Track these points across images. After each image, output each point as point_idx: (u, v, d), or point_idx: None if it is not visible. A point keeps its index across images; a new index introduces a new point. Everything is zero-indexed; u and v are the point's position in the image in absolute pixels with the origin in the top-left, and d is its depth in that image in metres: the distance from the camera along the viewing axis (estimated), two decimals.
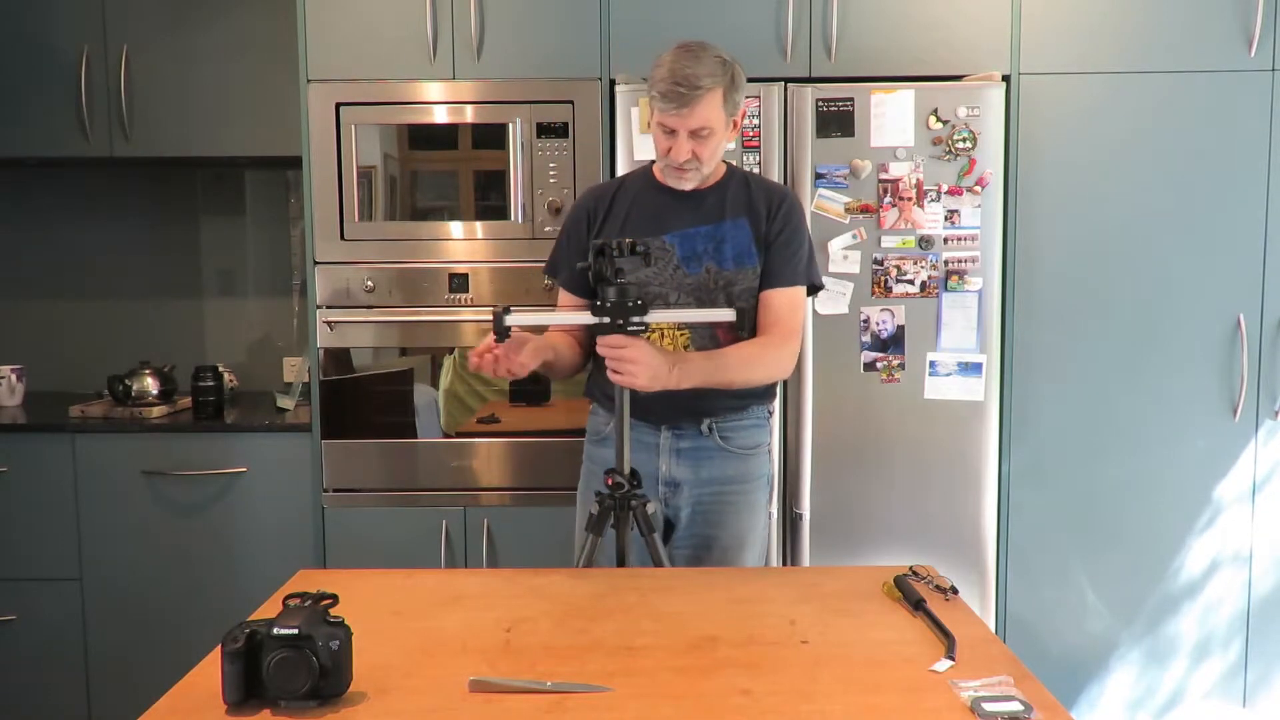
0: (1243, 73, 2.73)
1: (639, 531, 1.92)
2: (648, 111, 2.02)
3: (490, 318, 1.88)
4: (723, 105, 1.99)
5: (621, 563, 1.93)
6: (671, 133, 1.99)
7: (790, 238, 2.09)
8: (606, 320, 1.84)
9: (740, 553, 2.12)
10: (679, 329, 2.08)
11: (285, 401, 3.11)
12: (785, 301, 2.08)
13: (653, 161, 2.17)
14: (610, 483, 1.90)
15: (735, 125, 2.07)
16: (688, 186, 2.07)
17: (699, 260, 2.07)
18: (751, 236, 2.08)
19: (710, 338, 2.08)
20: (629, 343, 1.84)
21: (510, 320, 1.88)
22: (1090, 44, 2.74)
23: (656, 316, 1.90)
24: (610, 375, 1.87)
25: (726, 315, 1.91)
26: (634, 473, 1.93)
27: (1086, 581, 2.83)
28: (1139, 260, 2.77)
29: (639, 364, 1.84)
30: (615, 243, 1.85)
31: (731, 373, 2.01)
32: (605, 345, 1.85)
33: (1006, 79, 2.71)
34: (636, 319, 1.84)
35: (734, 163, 2.22)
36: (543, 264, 2.32)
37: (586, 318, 1.87)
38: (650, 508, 1.93)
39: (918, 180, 2.63)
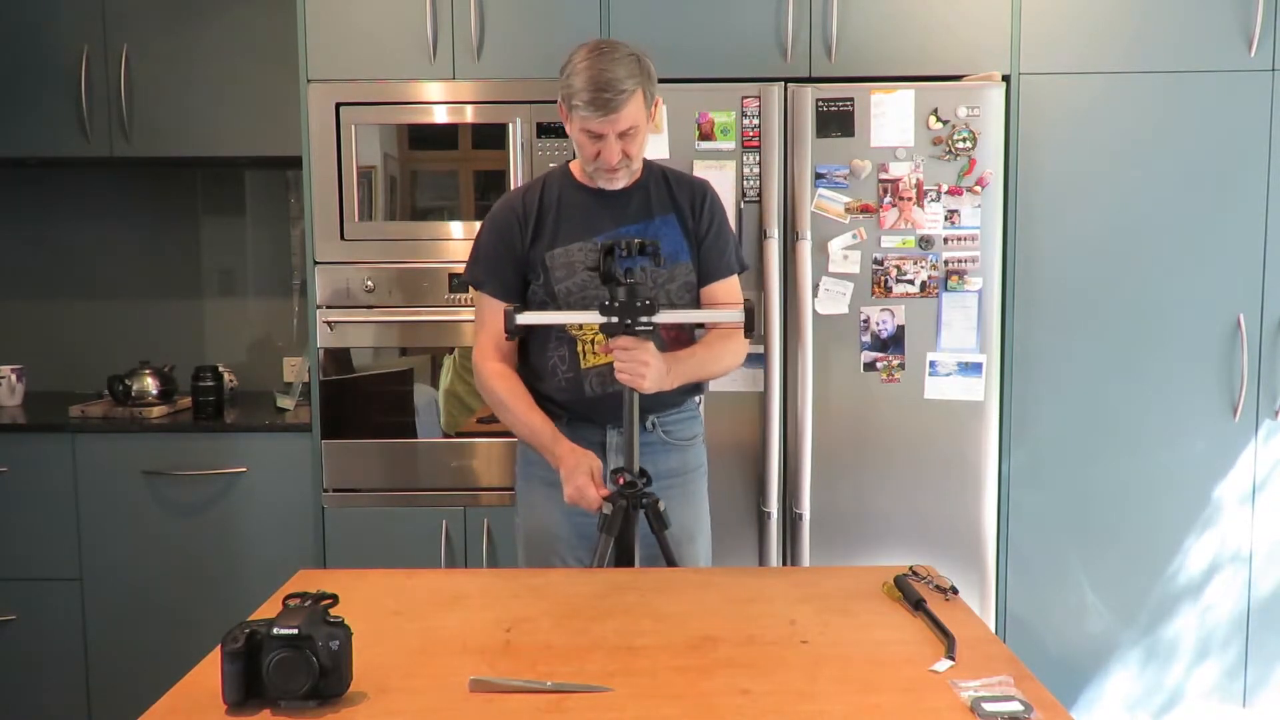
0: (1243, 73, 2.73)
1: (650, 529, 1.92)
2: (573, 121, 2.00)
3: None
4: (643, 102, 2.00)
5: (629, 560, 1.93)
6: (598, 137, 1.99)
7: (719, 231, 2.14)
8: (615, 320, 1.85)
9: (691, 544, 2.14)
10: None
11: (285, 401, 3.11)
12: (729, 293, 2.14)
13: (559, 170, 2.17)
14: (621, 481, 1.90)
15: (653, 116, 2.08)
16: (620, 185, 2.08)
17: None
18: (681, 232, 2.11)
19: (655, 336, 2.06)
20: (640, 345, 1.87)
21: (521, 319, 1.92)
22: (1090, 44, 2.74)
23: (665, 317, 1.91)
24: (618, 376, 1.89)
25: (734, 316, 1.93)
26: (643, 470, 1.93)
27: (1086, 581, 2.83)
28: (1139, 260, 2.77)
29: (650, 366, 1.88)
30: (624, 242, 1.87)
31: (709, 368, 2.12)
32: (617, 346, 1.88)
33: (1006, 79, 2.71)
34: (645, 319, 1.86)
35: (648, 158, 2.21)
36: None
37: (595, 317, 1.88)
38: (661, 504, 1.93)
39: (918, 180, 2.63)
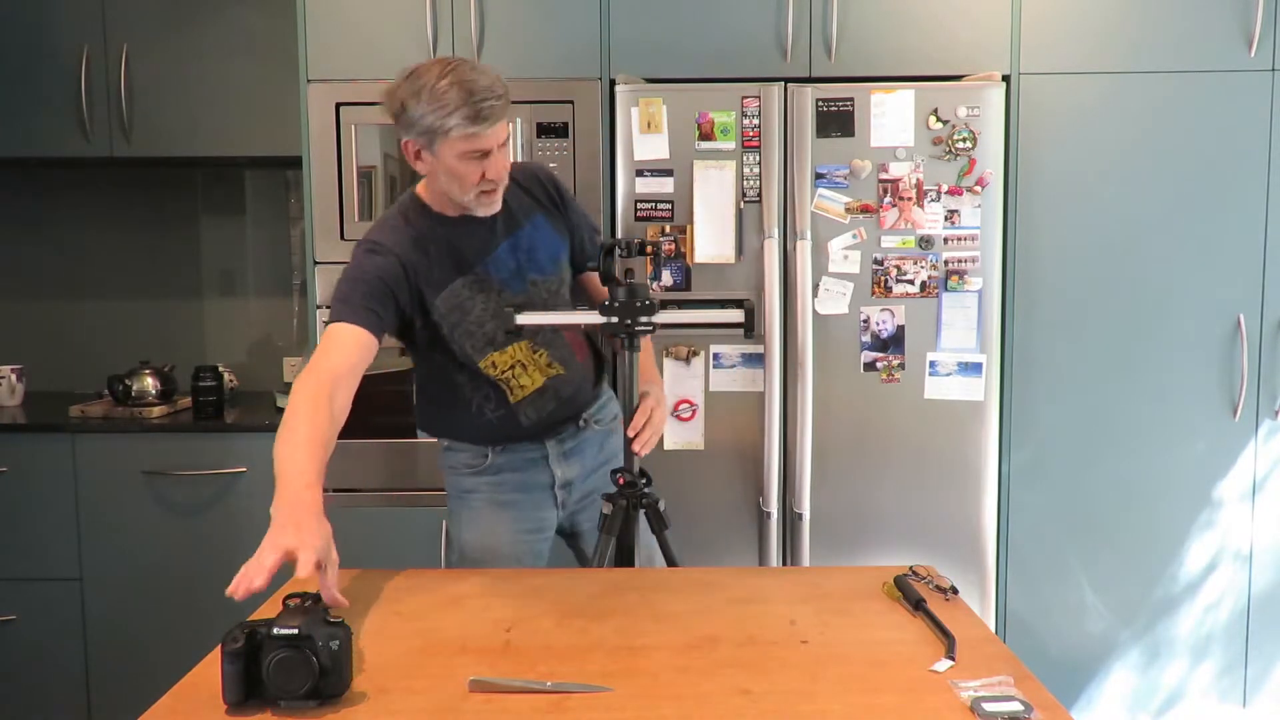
0: (1243, 73, 2.73)
1: (651, 529, 1.92)
2: (445, 149, 1.79)
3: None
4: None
5: (630, 561, 1.93)
6: (483, 155, 1.81)
7: (582, 212, 2.12)
8: (615, 320, 1.84)
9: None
10: (534, 349, 1.99)
11: (285, 401, 3.10)
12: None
13: (412, 204, 1.95)
14: (621, 481, 1.90)
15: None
16: (499, 206, 1.93)
17: (521, 276, 1.97)
18: (552, 229, 2.03)
19: (564, 346, 2.04)
20: (653, 410, 1.95)
21: (520, 319, 1.87)
22: (1090, 44, 2.74)
23: (666, 317, 1.87)
24: (644, 448, 1.94)
25: (734, 316, 1.90)
26: (642, 471, 1.93)
27: (1086, 581, 2.83)
28: (1139, 260, 2.77)
29: (664, 417, 2.00)
30: (624, 242, 1.86)
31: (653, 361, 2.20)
32: (643, 433, 1.93)
33: (1006, 79, 2.71)
34: (645, 319, 1.83)
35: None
36: None
37: (594, 317, 1.86)
38: (661, 504, 1.93)
39: (918, 180, 2.63)
